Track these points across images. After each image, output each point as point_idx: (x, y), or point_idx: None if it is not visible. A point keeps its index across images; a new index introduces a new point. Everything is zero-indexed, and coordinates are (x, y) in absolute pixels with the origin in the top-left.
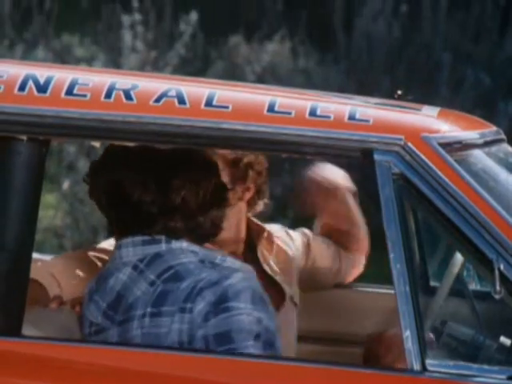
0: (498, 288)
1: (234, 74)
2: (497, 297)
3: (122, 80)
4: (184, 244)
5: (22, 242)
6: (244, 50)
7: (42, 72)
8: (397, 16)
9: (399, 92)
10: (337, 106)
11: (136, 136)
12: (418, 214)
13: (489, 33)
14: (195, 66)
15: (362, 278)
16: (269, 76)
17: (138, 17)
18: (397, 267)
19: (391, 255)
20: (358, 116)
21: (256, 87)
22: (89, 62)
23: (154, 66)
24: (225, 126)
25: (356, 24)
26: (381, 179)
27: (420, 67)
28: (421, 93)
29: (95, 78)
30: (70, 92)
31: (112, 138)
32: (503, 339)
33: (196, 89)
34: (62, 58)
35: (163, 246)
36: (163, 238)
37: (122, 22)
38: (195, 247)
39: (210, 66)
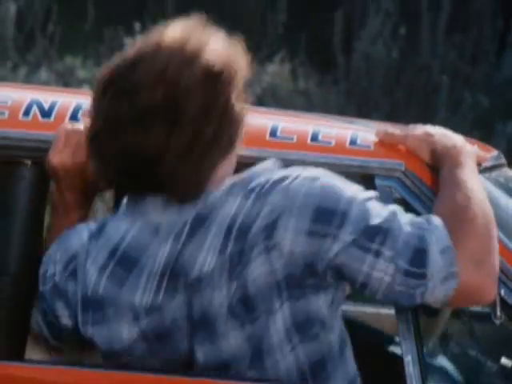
0: (498, 313)
1: None
2: (497, 322)
3: None
4: None
5: (26, 266)
6: None
7: (46, 97)
8: (395, 39)
9: None
10: (338, 130)
11: None
12: None
13: (486, 55)
14: None
15: None
16: (269, 97)
17: (140, 39)
18: None
19: None
20: (359, 141)
21: (257, 111)
22: (91, 83)
23: None
24: None
25: (355, 46)
26: None
27: (418, 89)
28: (419, 114)
29: None
30: (74, 117)
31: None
32: (504, 361)
33: None
34: (65, 79)
35: None
36: None
37: (125, 45)
38: None
39: None
